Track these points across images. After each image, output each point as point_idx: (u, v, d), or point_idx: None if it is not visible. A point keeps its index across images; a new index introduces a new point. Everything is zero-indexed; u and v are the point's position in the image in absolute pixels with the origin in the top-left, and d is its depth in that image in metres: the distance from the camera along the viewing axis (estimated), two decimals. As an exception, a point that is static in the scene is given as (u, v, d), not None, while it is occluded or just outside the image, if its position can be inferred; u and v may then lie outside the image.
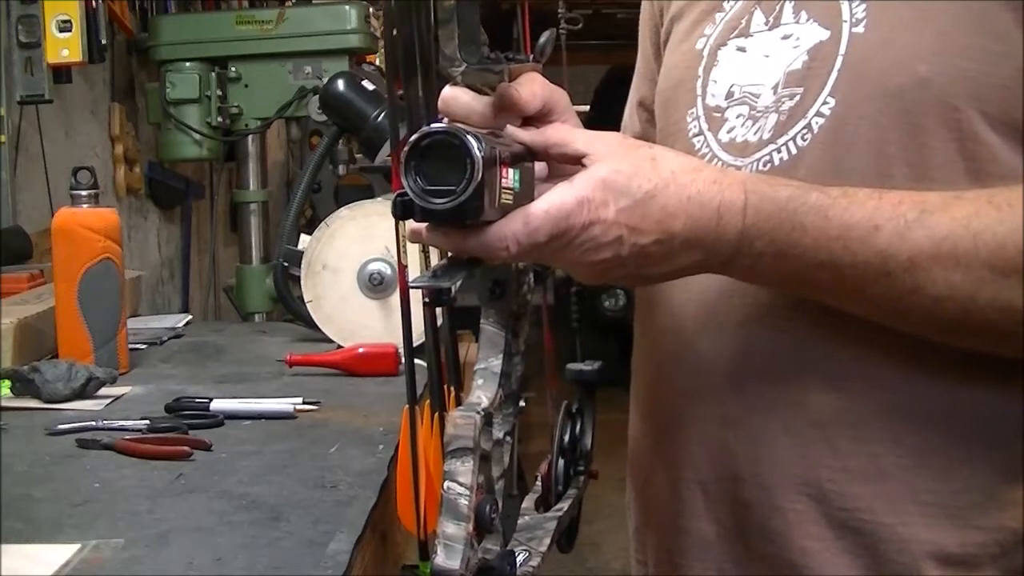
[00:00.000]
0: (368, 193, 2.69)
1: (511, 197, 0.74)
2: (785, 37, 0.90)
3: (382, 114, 2.07)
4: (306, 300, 1.71)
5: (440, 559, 0.73)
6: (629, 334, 1.04)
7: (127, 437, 1.18)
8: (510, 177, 0.74)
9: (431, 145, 0.71)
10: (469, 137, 0.70)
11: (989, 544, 0.83)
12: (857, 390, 0.84)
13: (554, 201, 0.74)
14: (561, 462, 1.02)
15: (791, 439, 0.86)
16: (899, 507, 0.83)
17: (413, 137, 0.71)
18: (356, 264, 1.69)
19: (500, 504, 0.80)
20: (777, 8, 0.92)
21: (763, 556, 0.89)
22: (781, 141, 0.87)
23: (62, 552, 0.87)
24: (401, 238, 0.89)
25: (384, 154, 2.12)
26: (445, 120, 0.78)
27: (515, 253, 0.74)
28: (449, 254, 0.77)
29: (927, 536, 0.83)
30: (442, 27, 0.71)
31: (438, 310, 0.96)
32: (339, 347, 1.65)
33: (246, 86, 2.57)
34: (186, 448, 1.15)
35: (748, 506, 0.89)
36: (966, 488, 0.83)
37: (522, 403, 0.87)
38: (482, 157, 0.69)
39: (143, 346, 1.74)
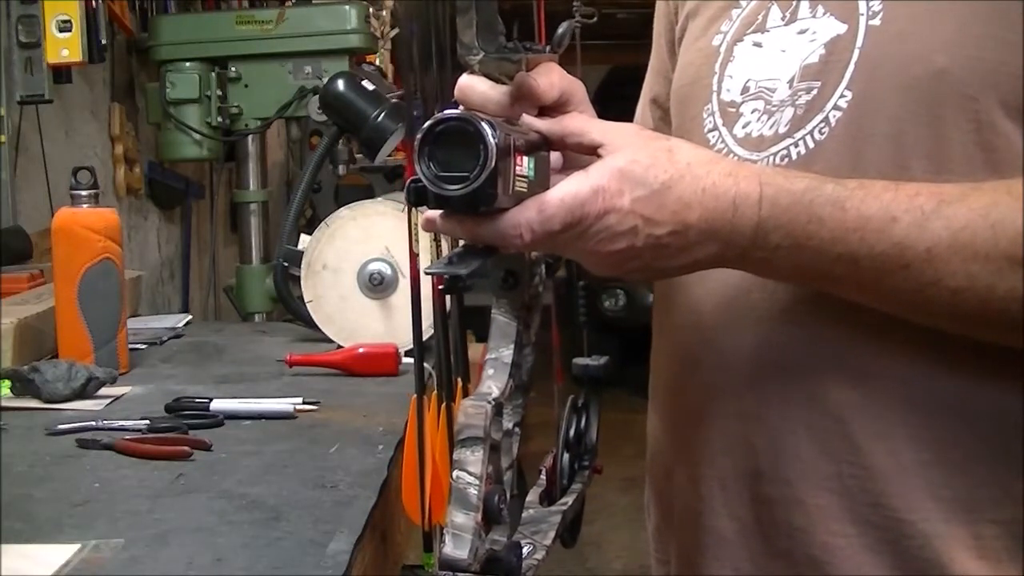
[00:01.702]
0: (368, 193, 2.70)
1: (525, 185, 0.73)
2: (801, 32, 0.90)
3: (382, 114, 2.07)
4: (306, 300, 1.71)
5: (448, 548, 0.73)
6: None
7: (127, 437, 1.17)
8: (525, 165, 0.73)
9: (445, 131, 0.70)
10: (483, 124, 0.69)
11: (1004, 537, 0.82)
12: (876, 385, 0.84)
13: (569, 190, 0.74)
14: (566, 456, 1.02)
15: (811, 434, 0.86)
16: (918, 503, 0.83)
17: (428, 123, 0.71)
18: (356, 264, 1.68)
19: (508, 495, 0.79)
20: (794, 4, 0.92)
21: (783, 552, 0.88)
22: (798, 135, 0.87)
23: (62, 552, 0.87)
24: (413, 226, 0.88)
25: (384, 154, 2.12)
26: (460, 108, 0.77)
27: (529, 241, 0.74)
28: (461, 243, 0.77)
29: (945, 531, 0.83)
30: (461, 15, 0.71)
31: (447, 299, 0.95)
32: (339, 347, 1.64)
33: (246, 86, 2.57)
34: (186, 448, 1.14)
35: (769, 502, 0.88)
36: (982, 483, 0.83)
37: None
38: (496, 144, 0.69)
39: (143, 346, 1.74)
